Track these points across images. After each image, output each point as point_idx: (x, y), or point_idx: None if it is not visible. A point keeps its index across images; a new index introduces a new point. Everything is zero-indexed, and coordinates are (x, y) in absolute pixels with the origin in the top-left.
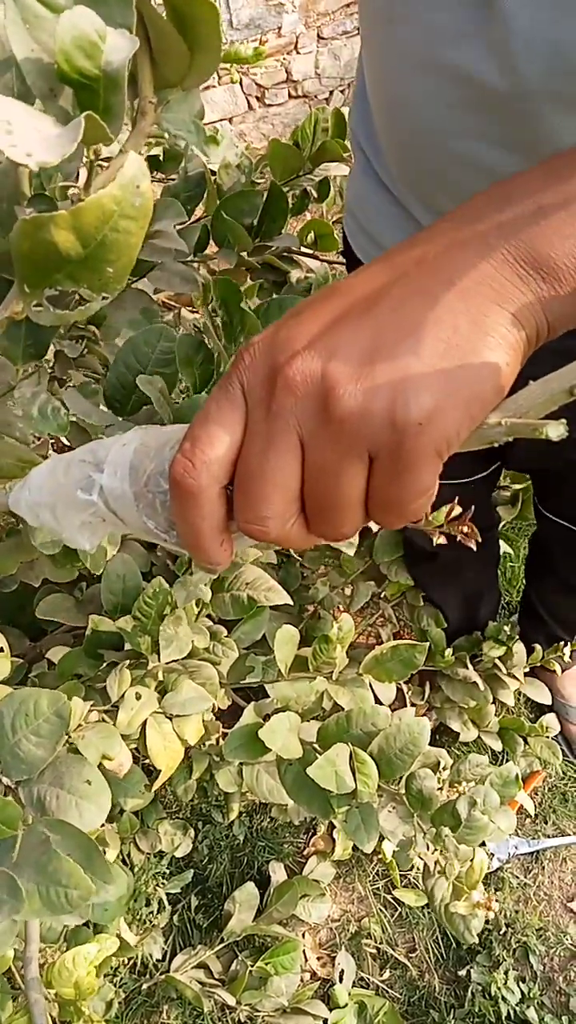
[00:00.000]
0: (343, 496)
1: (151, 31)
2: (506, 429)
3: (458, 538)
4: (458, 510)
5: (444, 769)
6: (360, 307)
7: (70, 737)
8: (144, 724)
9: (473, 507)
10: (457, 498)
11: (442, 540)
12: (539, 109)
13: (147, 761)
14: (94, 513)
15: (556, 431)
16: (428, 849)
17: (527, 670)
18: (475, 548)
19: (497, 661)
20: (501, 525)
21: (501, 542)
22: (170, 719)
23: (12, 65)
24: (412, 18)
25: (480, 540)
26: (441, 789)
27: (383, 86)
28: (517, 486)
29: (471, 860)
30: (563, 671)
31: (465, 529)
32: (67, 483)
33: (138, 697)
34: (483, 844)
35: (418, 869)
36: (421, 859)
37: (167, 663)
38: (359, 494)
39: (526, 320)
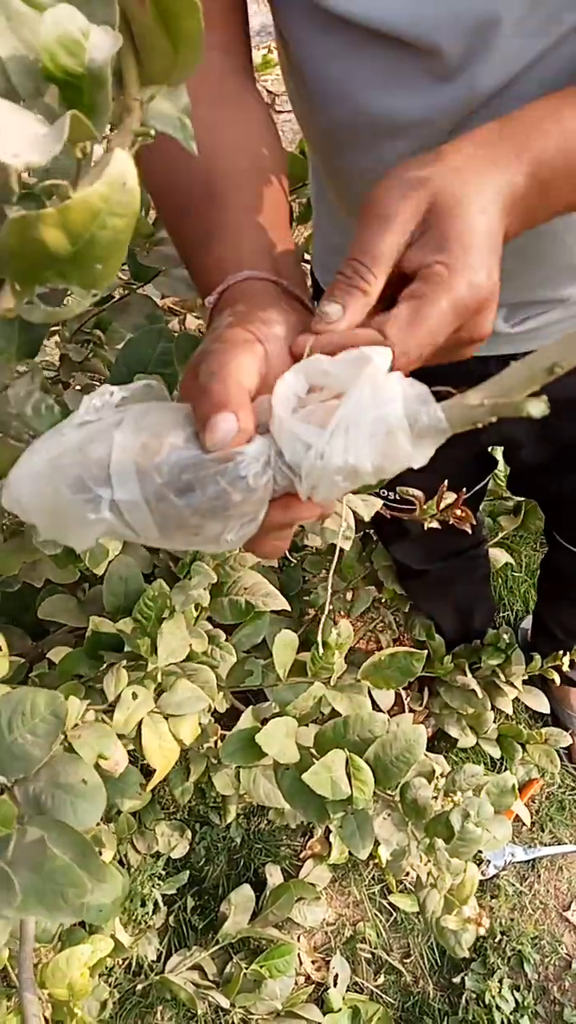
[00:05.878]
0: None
1: (134, 28)
2: (489, 409)
3: (451, 521)
4: (450, 497)
5: (441, 776)
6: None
7: (66, 736)
8: (140, 724)
9: (464, 490)
10: (446, 481)
11: (435, 524)
12: None
13: (144, 762)
14: (105, 531)
15: (538, 408)
16: (421, 860)
17: (526, 677)
18: (470, 531)
19: (496, 669)
20: (503, 535)
21: (501, 551)
22: (166, 719)
23: None
24: None
25: (475, 523)
26: (436, 798)
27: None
28: (520, 497)
29: (463, 874)
30: (561, 682)
31: (459, 513)
32: (66, 492)
33: (134, 697)
34: (479, 852)
35: (413, 876)
36: (414, 870)
37: (166, 666)
38: None
39: None
